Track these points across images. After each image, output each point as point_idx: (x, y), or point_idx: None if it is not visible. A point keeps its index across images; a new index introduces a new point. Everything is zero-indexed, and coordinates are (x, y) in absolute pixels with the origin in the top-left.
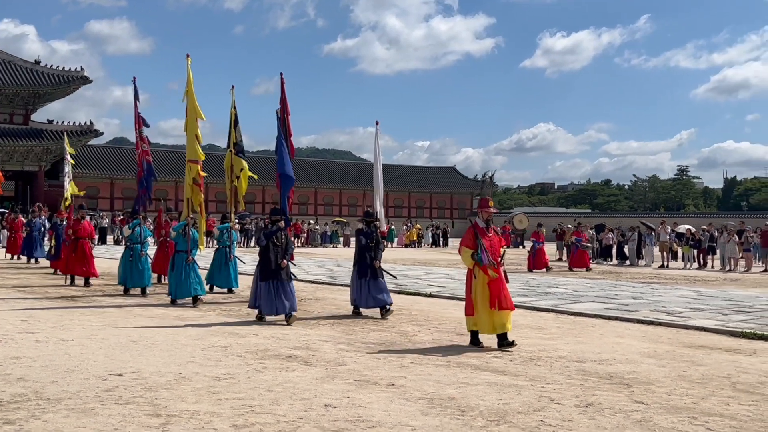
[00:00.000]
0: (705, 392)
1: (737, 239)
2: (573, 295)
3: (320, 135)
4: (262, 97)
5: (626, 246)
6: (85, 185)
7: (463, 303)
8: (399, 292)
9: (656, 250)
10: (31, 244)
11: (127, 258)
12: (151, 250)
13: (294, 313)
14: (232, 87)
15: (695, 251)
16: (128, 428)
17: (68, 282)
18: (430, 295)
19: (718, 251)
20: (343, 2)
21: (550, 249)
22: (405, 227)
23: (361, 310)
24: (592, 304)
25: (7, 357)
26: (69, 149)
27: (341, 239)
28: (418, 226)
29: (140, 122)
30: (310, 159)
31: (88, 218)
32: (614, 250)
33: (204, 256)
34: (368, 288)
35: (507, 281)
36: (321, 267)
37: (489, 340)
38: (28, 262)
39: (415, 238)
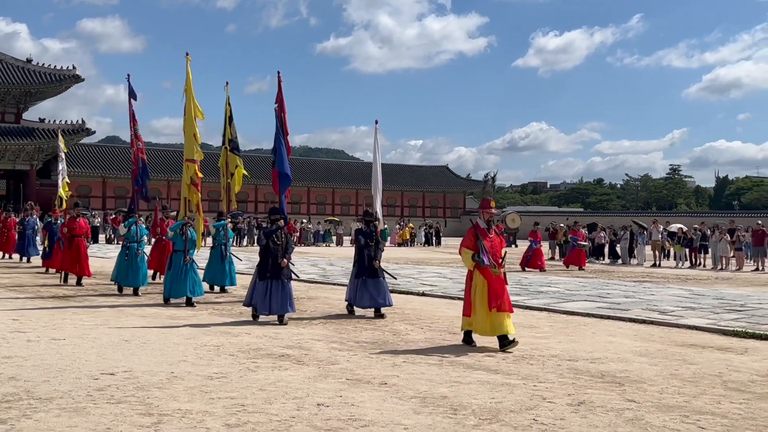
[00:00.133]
0: (696, 391)
1: (729, 238)
2: (565, 294)
3: (313, 134)
4: (255, 96)
5: (618, 245)
6: (77, 184)
7: (456, 302)
8: (392, 291)
9: (648, 249)
10: (25, 243)
11: (123, 256)
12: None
13: (288, 315)
14: (227, 83)
15: (687, 250)
16: (120, 427)
17: (62, 280)
18: (423, 294)
19: (709, 250)
20: (336, 1)
21: (543, 248)
22: (398, 226)
23: (356, 309)
24: (585, 303)
25: None
26: (63, 148)
27: (334, 238)
28: (410, 225)
29: (135, 120)
30: (303, 158)
31: (83, 216)
32: (606, 249)
33: (199, 255)
34: (365, 287)
35: (506, 283)
36: (314, 266)
37: (481, 339)
38: (21, 261)
39: (407, 237)
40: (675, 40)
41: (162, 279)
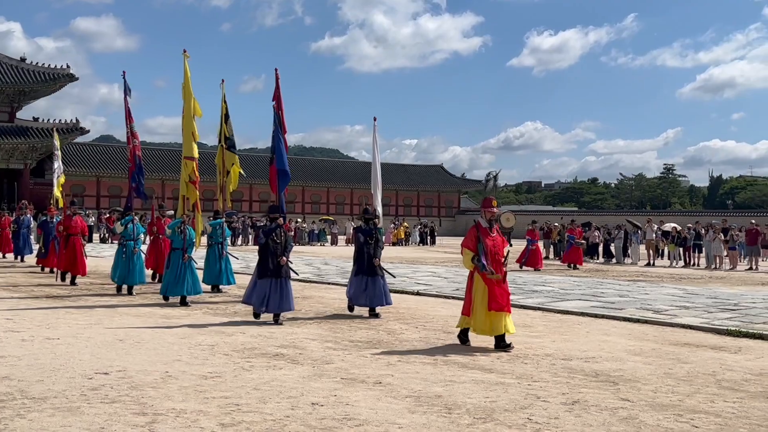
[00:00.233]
0: (690, 389)
1: (723, 237)
2: (559, 293)
3: (307, 133)
4: (250, 95)
5: (612, 244)
6: (71, 183)
7: (451, 301)
8: None
9: (642, 248)
10: (20, 242)
11: (121, 255)
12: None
13: (285, 314)
14: (222, 81)
15: (681, 249)
16: (114, 427)
17: (60, 279)
18: (418, 293)
19: (703, 249)
20: (331, 0)
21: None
22: (392, 225)
23: (356, 308)
24: (579, 302)
25: None
26: (58, 146)
27: (329, 237)
28: (405, 224)
29: (131, 117)
30: (298, 157)
31: (80, 214)
32: (601, 248)
33: (196, 255)
34: (365, 286)
35: (505, 281)
36: (308, 265)
37: (475, 339)
38: (15, 260)
39: (402, 236)
40: (669, 39)
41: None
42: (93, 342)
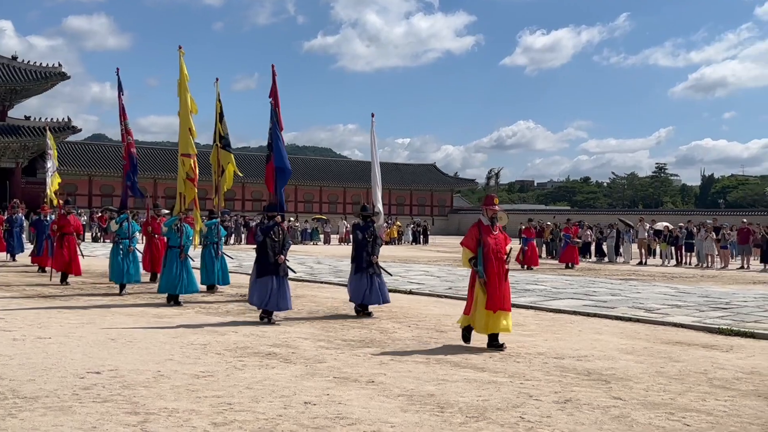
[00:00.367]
0: (682, 388)
1: (714, 236)
2: (552, 292)
3: (300, 132)
4: (243, 94)
5: (605, 243)
6: (63, 182)
7: (443, 300)
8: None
9: (634, 247)
10: (12, 241)
11: (117, 255)
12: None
13: (284, 313)
14: (217, 79)
15: (673, 248)
16: (106, 426)
17: (52, 279)
18: (411, 292)
19: (695, 248)
20: None
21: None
22: (385, 224)
23: (354, 306)
24: (571, 301)
25: None
26: (52, 145)
27: (321, 236)
28: (398, 223)
29: (125, 114)
30: (291, 156)
31: (74, 213)
32: (593, 248)
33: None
34: (364, 284)
35: (506, 280)
36: (301, 264)
37: (475, 338)
38: (7, 259)
39: (395, 235)
40: (661, 39)
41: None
42: (85, 341)
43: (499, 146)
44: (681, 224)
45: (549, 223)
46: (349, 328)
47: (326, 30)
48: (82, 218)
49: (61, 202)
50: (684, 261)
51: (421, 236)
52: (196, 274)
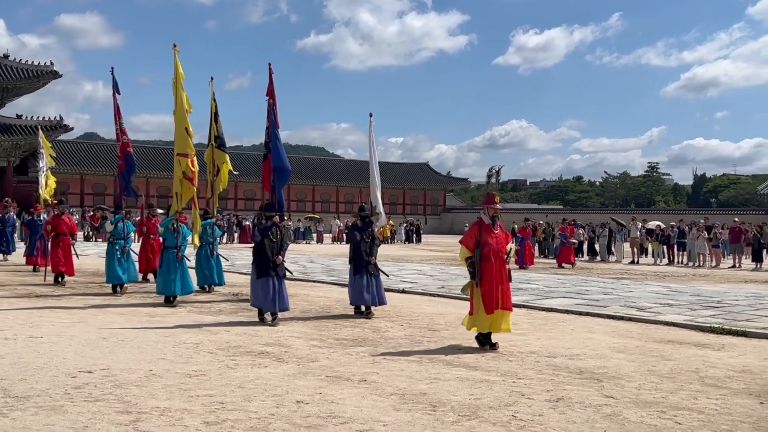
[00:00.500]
0: (674, 386)
1: (706, 235)
2: (544, 291)
3: (293, 131)
4: (235, 93)
5: (597, 242)
6: (55, 181)
7: (436, 299)
8: None
9: (627, 246)
10: (4, 240)
11: (113, 255)
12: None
13: (282, 314)
14: (212, 79)
15: (665, 247)
16: (98, 425)
17: (47, 279)
18: (403, 291)
19: (687, 247)
20: None
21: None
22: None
23: (362, 307)
24: (563, 300)
25: None
26: (45, 143)
27: (314, 235)
28: (391, 222)
29: (120, 114)
30: None
31: (67, 213)
32: (585, 247)
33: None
34: (364, 285)
35: (510, 280)
36: (294, 263)
37: (465, 338)
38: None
39: (388, 234)
40: (654, 38)
41: (153, 280)
42: (77, 340)
43: (492, 145)
44: (673, 223)
45: (542, 222)
46: (341, 327)
47: (319, 29)
48: (75, 217)
49: (54, 201)
50: (676, 260)
51: (414, 235)
52: (192, 274)
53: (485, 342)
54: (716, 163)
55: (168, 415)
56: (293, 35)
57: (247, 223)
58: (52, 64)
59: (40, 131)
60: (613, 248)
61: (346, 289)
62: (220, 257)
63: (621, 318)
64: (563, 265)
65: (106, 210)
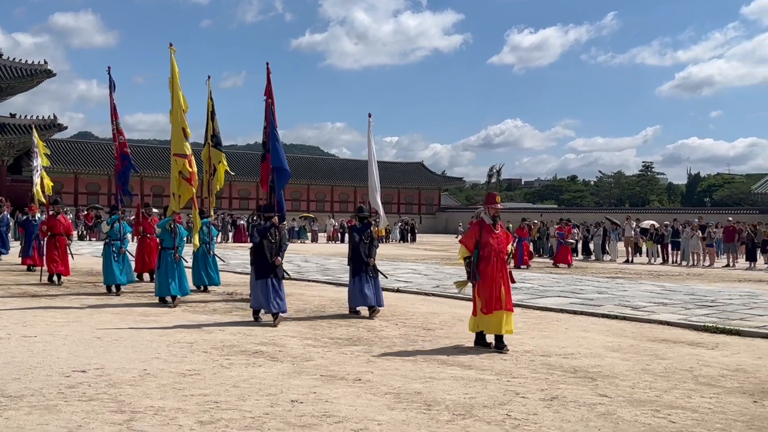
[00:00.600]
0: (668, 385)
1: (700, 234)
2: (539, 290)
3: (288, 130)
4: (230, 91)
5: (592, 241)
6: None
7: (431, 298)
8: None
9: (621, 245)
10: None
11: (110, 256)
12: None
13: (282, 314)
14: (209, 77)
15: (659, 246)
16: (92, 425)
17: (42, 279)
18: (398, 291)
19: (681, 246)
20: None
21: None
22: (373, 223)
23: (359, 309)
24: (558, 299)
25: None
26: (39, 142)
27: (309, 235)
28: (386, 225)
29: (117, 113)
30: None
31: (63, 213)
32: (580, 246)
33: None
34: (362, 286)
35: (513, 282)
36: (289, 263)
37: (462, 337)
38: None
39: (383, 233)
40: (648, 38)
41: (148, 279)
42: (70, 340)
43: (487, 145)
44: (667, 222)
45: (536, 221)
46: (336, 326)
47: (314, 28)
48: (69, 216)
49: (48, 202)
50: (670, 259)
51: (409, 234)
52: (187, 274)
53: (482, 342)
54: (710, 162)
55: (162, 414)
56: (288, 34)
57: (242, 222)
58: (46, 62)
59: (34, 130)
60: (607, 247)
61: (340, 288)
62: (216, 257)
63: (615, 317)
64: (559, 264)
65: (100, 209)
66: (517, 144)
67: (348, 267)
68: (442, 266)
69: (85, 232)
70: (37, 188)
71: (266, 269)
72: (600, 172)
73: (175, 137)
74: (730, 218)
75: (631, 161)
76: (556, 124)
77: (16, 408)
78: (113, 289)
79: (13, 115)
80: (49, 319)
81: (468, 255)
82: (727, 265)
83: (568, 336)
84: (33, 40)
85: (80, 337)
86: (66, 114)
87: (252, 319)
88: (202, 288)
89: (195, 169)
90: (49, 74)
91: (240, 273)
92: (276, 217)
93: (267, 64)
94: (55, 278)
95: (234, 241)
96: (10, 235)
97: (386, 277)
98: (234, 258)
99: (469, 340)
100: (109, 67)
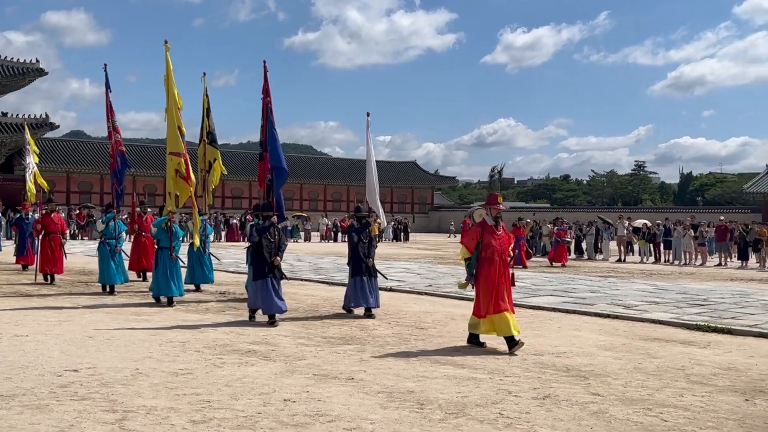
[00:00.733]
0: (660, 384)
1: (692, 233)
2: (531, 289)
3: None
4: (223, 90)
5: (584, 240)
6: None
7: (424, 297)
8: None
9: (613, 244)
10: None
11: (106, 255)
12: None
13: (280, 315)
14: (204, 74)
15: (651, 245)
16: (84, 424)
17: (37, 279)
18: (391, 290)
19: (673, 245)
20: None
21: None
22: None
23: (355, 309)
24: (550, 298)
25: None
26: (31, 141)
27: (302, 234)
28: (379, 220)
29: (113, 111)
30: None
31: (57, 212)
32: (572, 245)
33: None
34: (360, 286)
35: (514, 284)
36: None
37: (464, 337)
38: None
39: (376, 232)
40: (641, 37)
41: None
42: (63, 339)
43: (480, 144)
44: (659, 221)
45: (528, 220)
46: (329, 325)
47: (307, 26)
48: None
49: (42, 200)
50: (662, 258)
51: (402, 234)
52: (182, 273)
53: (474, 342)
54: (703, 161)
55: (154, 413)
56: (281, 33)
57: (235, 221)
58: (38, 61)
59: (27, 129)
60: (600, 246)
61: (333, 288)
62: (211, 256)
63: (607, 316)
64: (554, 263)
65: (93, 208)
66: (510, 143)
67: (348, 268)
68: (435, 265)
69: (77, 231)
70: (30, 185)
71: (265, 269)
72: (593, 171)
73: (171, 135)
74: (722, 217)
75: (624, 160)
76: (548, 124)
77: (7, 407)
78: (108, 288)
79: (4, 114)
80: (41, 319)
81: (469, 256)
82: (719, 264)
83: (561, 335)
84: (25, 38)
85: (72, 337)
86: (58, 113)
87: (247, 318)
88: (195, 287)
89: (190, 167)
90: (41, 73)
91: (233, 272)
92: (275, 217)
93: (264, 62)
94: (48, 277)
95: (227, 240)
96: (2, 234)
97: (386, 278)
98: (227, 257)
99: (462, 339)
100: (105, 65)
